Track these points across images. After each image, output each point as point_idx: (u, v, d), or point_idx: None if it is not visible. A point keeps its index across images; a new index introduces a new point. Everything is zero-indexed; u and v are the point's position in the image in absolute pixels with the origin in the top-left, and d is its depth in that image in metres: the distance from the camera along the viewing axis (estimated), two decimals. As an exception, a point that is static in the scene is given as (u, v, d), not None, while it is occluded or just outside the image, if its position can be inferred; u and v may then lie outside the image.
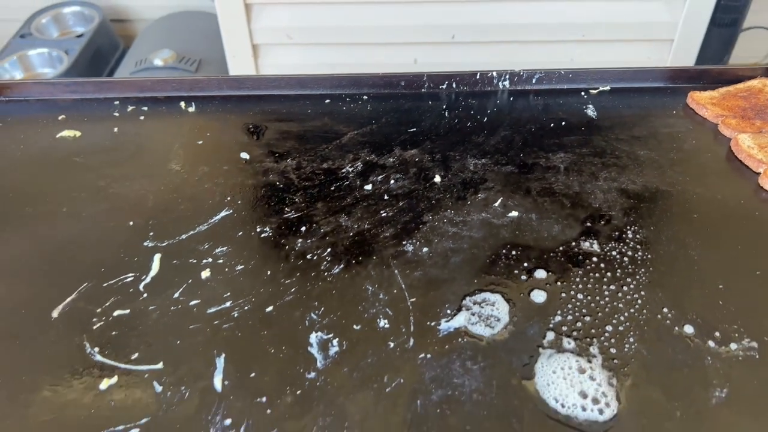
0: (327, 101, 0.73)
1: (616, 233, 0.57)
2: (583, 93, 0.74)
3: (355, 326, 0.50)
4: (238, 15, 1.60)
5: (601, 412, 0.44)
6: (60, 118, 0.71)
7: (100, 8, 2.08)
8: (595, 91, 0.74)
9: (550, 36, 1.33)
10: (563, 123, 0.69)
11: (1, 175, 0.64)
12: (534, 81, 0.74)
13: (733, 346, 0.48)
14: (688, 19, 1.19)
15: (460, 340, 0.49)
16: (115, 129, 0.69)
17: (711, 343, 0.48)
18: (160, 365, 0.47)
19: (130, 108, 0.72)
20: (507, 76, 0.73)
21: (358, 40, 1.47)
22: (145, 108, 0.72)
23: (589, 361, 0.47)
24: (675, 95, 0.73)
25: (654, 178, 0.62)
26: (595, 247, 0.55)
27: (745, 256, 0.54)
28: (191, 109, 0.72)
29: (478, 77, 0.73)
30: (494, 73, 0.73)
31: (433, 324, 0.50)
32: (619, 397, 0.45)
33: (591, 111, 0.71)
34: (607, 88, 0.74)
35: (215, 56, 1.70)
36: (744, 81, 0.73)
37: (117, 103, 0.73)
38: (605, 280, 0.53)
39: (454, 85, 0.74)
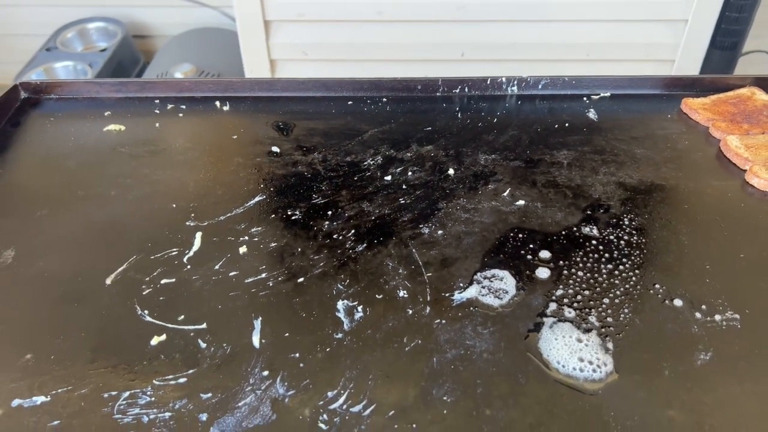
0: (349, 102, 0.80)
1: (614, 220, 0.62)
2: (585, 98, 0.80)
3: (377, 296, 0.55)
4: (257, 31, 1.68)
5: (597, 371, 0.49)
6: (106, 114, 0.77)
7: (122, 24, 2.17)
8: (596, 97, 0.80)
9: (556, 55, 1.40)
10: (566, 124, 0.76)
11: (55, 162, 0.70)
12: (540, 86, 0.80)
13: (718, 317, 0.53)
14: (689, 41, 1.26)
15: (471, 309, 0.54)
16: (157, 124, 0.76)
17: (698, 315, 0.53)
18: (204, 325, 0.53)
19: (169, 106, 0.79)
20: (515, 82, 0.80)
21: (370, 57, 1.54)
22: (184, 106, 0.79)
23: (588, 328, 0.52)
24: (670, 101, 0.79)
25: (649, 173, 0.68)
26: (595, 231, 0.61)
27: (730, 242, 0.60)
28: (226, 108, 0.79)
29: (488, 82, 0.80)
30: (503, 79, 0.80)
31: (447, 295, 0.55)
32: (615, 358, 0.50)
33: (592, 114, 0.77)
34: (608, 94, 0.80)
35: (233, 71, 1.78)
36: (734, 89, 0.79)
37: (157, 101, 0.80)
38: (603, 260, 0.58)
39: (466, 90, 0.80)
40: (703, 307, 0.54)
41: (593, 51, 1.36)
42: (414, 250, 0.60)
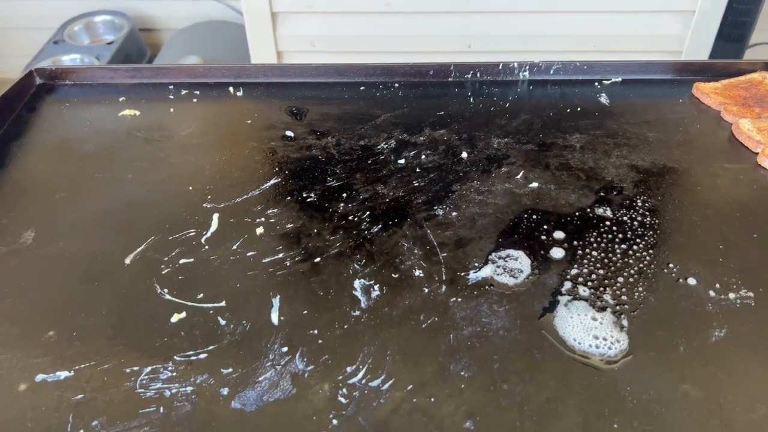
0: (362, 88, 0.80)
1: (627, 201, 0.63)
2: (596, 83, 0.81)
3: (393, 275, 0.56)
4: (264, 23, 1.69)
5: (612, 347, 0.50)
6: (120, 99, 0.78)
7: (129, 17, 2.18)
8: (607, 82, 0.80)
9: (563, 47, 1.40)
10: (579, 109, 0.76)
11: (72, 146, 0.71)
12: (552, 72, 0.81)
13: (732, 295, 0.54)
14: (696, 32, 1.26)
15: (487, 287, 0.55)
16: (171, 109, 0.77)
17: (711, 293, 0.54)
18: (222, 303, 0.53)
19: (183, 92, 0.80)
20: (527, 67, 0.80)
21: (377, 49, 1.54)
22: (197, 92, 0.80)
23: (603, 306, 0.53)
24: (681, 86, 0.79)
25: (661, 156, 0.69)
26: (608, 213, 0.62)
27: (743, 222, 0.60)
28: (239, 94, 0.79)
29: (500, 68, 0.80)
30: (515, 64, 0.80)
31: (462, 274, 0.56)
32: (629, 335, 0.50)
33: (604, 99, 0.78)
34: (619, 79, 0.81)
35: (240, 63, 1.78)
36: (745, 74, 0.79)
37: (171, 87, 0.80)
38: (617, 240, 0.59)
39: (478, 75, 0.81)
40: (717, 285, 0.54)
41: (600, 42, 1.36)
42: (429, 231, 0.60)
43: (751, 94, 0.75)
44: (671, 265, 0.56)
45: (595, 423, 0.45)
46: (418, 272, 0.56)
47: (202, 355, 0.49)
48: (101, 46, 2.10)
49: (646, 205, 0.62)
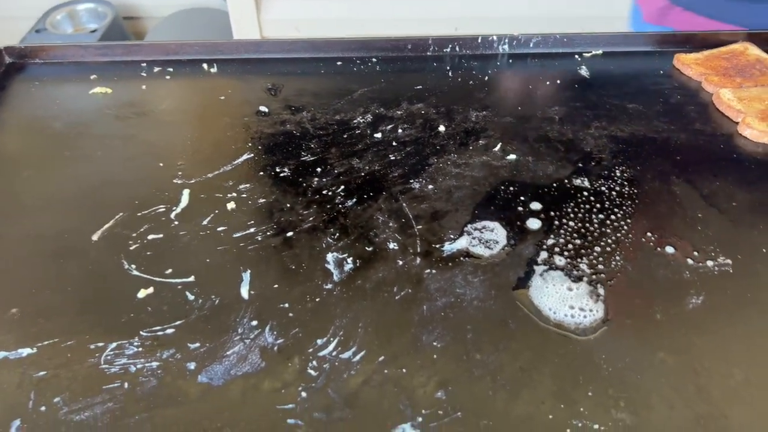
0: (339, 63, 0.79)
1: (606, 172, 0.62)
2: (577, 56, 0.79)
3: (367, 248, 0.55)
4: (248, 8, 1.66)
5: (588, 316, 0.49)
6: (92, 77, 0.76)
7: (112, 5, 2.15)
8: (588, 55, 0.79)
9: (550, 28, 1.39)
10: (558, 82, 0.75)
11: (41, 125, 0.69)
12: (531, 45, 0.79)
13: (710, 263, 0.53)
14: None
15: (462, 258, 0.54)
16: (143, 87, 0.75)
17: (689, 261, 0.53)
18: (191, 278, 0.52)
19: (156, 69, 0.78)
20: (506, 40, 0.79)
21: (363, 33, 1.52)
22: (171, 69, 0.78)
23: (579, 276, 0.52)
24: (662, 58, 0.78)
25: (641, 126, 0.68)
26: (586, 183, 0.61)
27: (723, 190, 0.60)
28: (213, 70, 0.78)
29: (479, 41, 0.79)
30: (494, 37, 0.79)
31: (437, 246, 0.55)
32: (606, 304, 0.50)
33: (584, 71, 0.77)
34: (600, 51, 0.79)
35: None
36: (727, 45, 0.78)
37: (144, 65, 0.78)
38: (594, 210, 0.58)
39: (457, 49, 0.79)
40: (696, 253, 0.53)
41: (588, 24, 1.35)
42: (404, 204, 0.59)
43: (732, 64, 0.74)
44: (649, 234, 0.55)
45: (570, 391, 0.44)
46: (392, 245, 0.55)
47: (169, 330, 0.48)
48: (84, 34, 2.07)
49: (625, 175, 0.61)
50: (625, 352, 0.46)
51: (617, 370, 0.45)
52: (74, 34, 2.11)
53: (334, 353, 0.47)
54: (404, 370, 0.45)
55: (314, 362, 0.46)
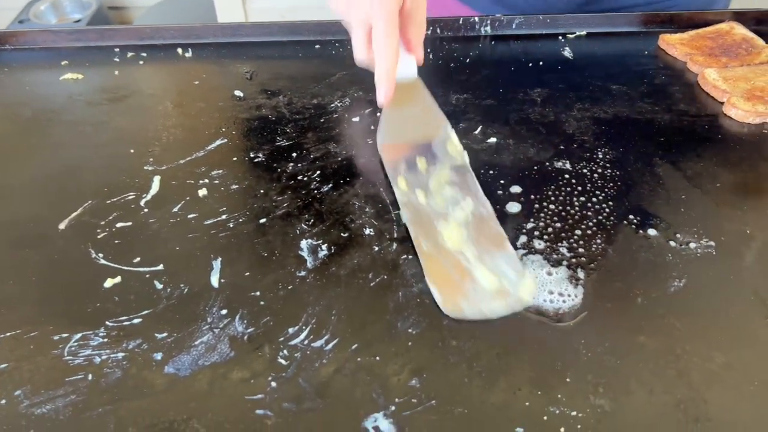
0: (317, 47, 0.77)
1: (587, 154, 0.60)
2: (560, 37, 0.78)
3: (342, 234, 0.53)
4: (233, -5, 1.64)
5: (567, 301, 0.48)
6: (63, 63, 0.74)
7: (97, -5, 2.11)
8: (572, 36, 0.78)
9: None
10: (541, 63, 0.73)
11: (9, 111, 0.67)
12: (514, 26, 0.78)
13: (693, 245, 0.52)
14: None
15: (439, 244, 0.52)
16: (116, 72, 0.73)
17: (672, 243, 0.52)
18: (160, 267, 0.51)
19: (129, 54, 0.76)
20: (488, 22, 0.77)
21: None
22: (144, 54, 0.76)
23: (559, 260, 0.51)
24: (647, 39, 0.77)
25: (625, 108, 0.66)
26: (567, 165, 0.59)
27: (706, 172, 0.58)
28: (188, 55, 0.76)
29: (461, 22, 0.77)
30: (476, 19, 0.77)
31: (415, 231, 0.53)
32: (586, 288, 0.48)
33: (567, 53, 0.75)
34: (583, 33, 0.78)
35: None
36: (712, 25, 0.77)
37: (117, 50, 0.76)
38: (576, 193, 0.56)
39: (438, 31, 0.78)
40: (678, 235, 0.52)
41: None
42: (381, 189, 0.58)
43: (717, 44, 0.73)
44: (631, 217, 0.54)
45: (548, 377, 0.43)
46: (368, 231, 0.54)
47: (136, 320, 0.47)
48: (68, 25, 2.04)
49: (607, 157, 0.60)
50: (604, 336, 0.45)
51: (596, 355, 0.44)
52: (58, 25, 2.08)
53: (306, 342, 0.45)
54: (378, 358, 0.44)
55: (285, 351, 0.44)
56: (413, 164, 0.58)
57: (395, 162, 0.59)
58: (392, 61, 0.57)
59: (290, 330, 0.46)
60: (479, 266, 0.49)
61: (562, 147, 0.61)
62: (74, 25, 1.83)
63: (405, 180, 0.57)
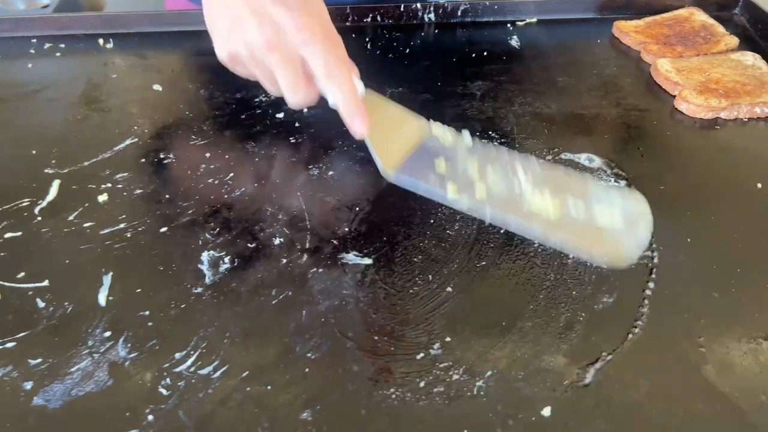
0: (248, 36, 0.72)
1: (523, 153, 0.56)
2: (509, 25, 0.73)
3: (249, 245, 0.49)
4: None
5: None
6: (-27, 55, 0.69)
7: (64, -23, 2.04)
8: (521, 23, 0.73)
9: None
10: (485, 54, 0.68)
11: None
12: (459, 13, 0.73)
13: (628, 255, 0.47)
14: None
15: (355, 255, 0.48)
16: (29, 65, 0.68)
17: (605, 254, 0.47)
18: (45, 283, 0.46)
19: (47, 45, 0.71)
20: (432, 9, 0.72)
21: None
22: (63, 45, 0.71)
23: (482, 273, 0.46)
24: (601, 26, 0.72)
25: (569, 102, 0.61)
26: (501, 166, 0.55)
27: (650, 173, 0.54)
28: (109, 46, 0.71)
29: (402, 9, 0.72)
30: (419, 5, 0.72)
31: (330, 241, 0.49)
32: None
33: (515, 42, 0.70)
34: (534, 19, 0.73)
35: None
36: (672, 10, 0.72)
37: (35, 41, 0.71)
38: (507, 197, 0.52)
39: (378, 18, 0.73)
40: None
41: None
42: (299, 193, 0.53)
43: (674, 31, 0.68)
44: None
45: (445, 410, 0.39)
46: (278, 240, 0.49)
47: (10, 344, 0.42)
48: (36, 10, 1.97)
49: (545, 156, 0.55)
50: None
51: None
52: (26, 11, 2.02)
53: (193, 368, 0.41)
54: (269, 387, 0.40)
55: (168, 379, 0.40)
56: (433, 169, 0.51)
57: (419, 177, 0.51)
58: (353, 85, 0.51)
59: (177, 355, 0.42)
60: (596, 207, 0.46)
61: (496, 145, 0.57)
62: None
63: (453, 186, 0.49)
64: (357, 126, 0.52)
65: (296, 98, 0.53)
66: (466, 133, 0.53)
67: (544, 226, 0.45)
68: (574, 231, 0.45)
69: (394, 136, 0.54)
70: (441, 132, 0.54)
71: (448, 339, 0.42)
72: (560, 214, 0.46)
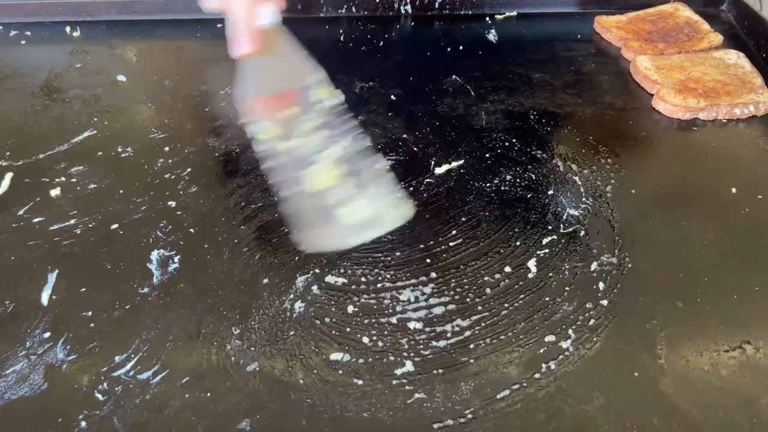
0: (219, 26, 0.70)
1: (491, 153, 0.54)
2: (488, 18, 0.70)
3: (203, 245, 0.47)
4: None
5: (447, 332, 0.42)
6: (-65, 42, 0.68)
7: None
8: (500, 17, 0.70)
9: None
10: (461, 48, 0.66)
11: None
12: (437, 5, 0.70)
13: (593, 264, 0.45)
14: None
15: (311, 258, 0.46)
16: (-8, 53, 0.66)
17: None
18: (-13, 281, 0.45)
19: (12, 33, 0.69)
20: (408, 1, 0.70)
21: None
22: (29, 33, 0.69)
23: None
24: (583, 20, 0.70)
25: (543, 100, 0.60)
26: (462, 164, 0.53)
27: (626, 175, 0.52)
28: (76, 34, 0.69)
29: (377, 1, 0.70)
30: (393, -3, 0.70)
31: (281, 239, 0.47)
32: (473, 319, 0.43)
33: (492, 36, 0.68)
34: (514, 13, 0.71)
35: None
36: (656, 6, 0.69)
37: (1, 28, 0.70)
38: (471, 196, 0.50)
39: (353, 9, 0.71)
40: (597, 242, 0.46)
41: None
42: (259, 193, 0.51)
43: (657, 28, 0.66)
44: (549, 216, 0.48)
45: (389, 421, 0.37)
46: (231, 240, 0.48)
47: (-57, 348, 0.41)
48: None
49: (513, 156, 0.53)
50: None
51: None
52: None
53: (132, 373, 0.39)
54: (209, 394, 0.38)
55: (105, 384, 0.39)
56: (280, 116, 0.48)
57: (259, 117, 0.49)
58: (248, 4, 0.48)
59: (117, 358, 0.40)
60: (360, 195, 0.44)
61: (464, 145, 0.55)
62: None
63: (266, 132, 0.47)
64: (235, 46, 0.47)
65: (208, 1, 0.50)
66: (340, 93, 0.50)
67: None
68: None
69: (272, 73, 0.51)
70: (323, 88, 0.51)
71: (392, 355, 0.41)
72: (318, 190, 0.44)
